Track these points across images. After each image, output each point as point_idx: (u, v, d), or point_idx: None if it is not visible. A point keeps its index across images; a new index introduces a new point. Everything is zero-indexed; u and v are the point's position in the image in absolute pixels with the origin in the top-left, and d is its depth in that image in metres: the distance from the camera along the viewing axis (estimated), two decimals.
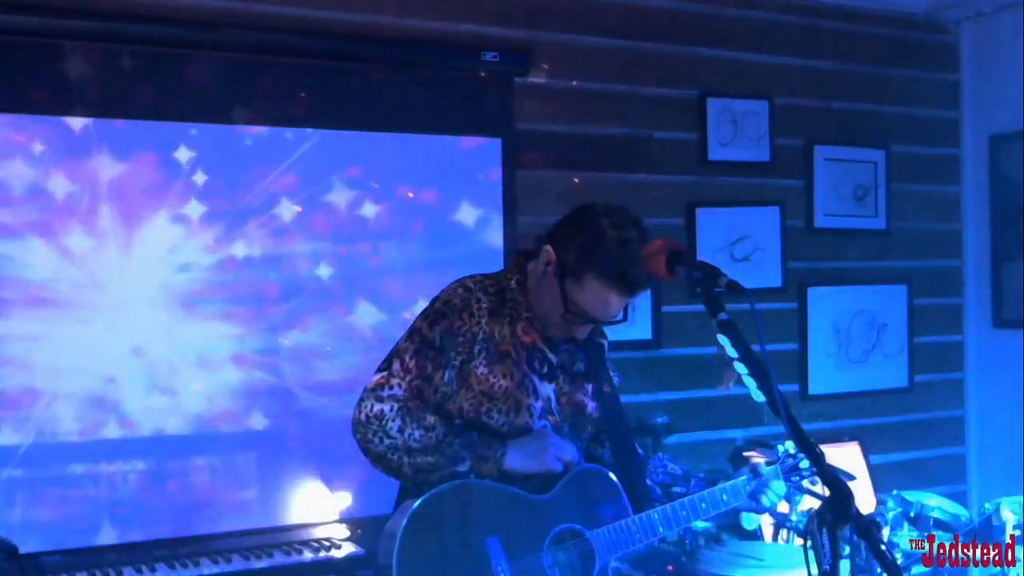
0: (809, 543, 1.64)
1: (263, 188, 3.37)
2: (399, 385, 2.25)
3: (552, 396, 2.39)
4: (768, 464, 2.56)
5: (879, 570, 1.74)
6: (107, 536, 3.13)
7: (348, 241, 3.49)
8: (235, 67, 3.33)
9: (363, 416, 2.23)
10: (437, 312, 2.32)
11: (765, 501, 2.51)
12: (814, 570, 1.63)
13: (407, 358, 2.27)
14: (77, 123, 3.12)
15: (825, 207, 4.43)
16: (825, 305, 4.42)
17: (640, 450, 2.57)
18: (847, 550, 2.73)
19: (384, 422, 2.21)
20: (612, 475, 2.38)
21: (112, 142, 3.16)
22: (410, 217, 3.57)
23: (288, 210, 3.40)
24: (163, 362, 3.23)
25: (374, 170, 3.53)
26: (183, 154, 3.25)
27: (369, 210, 3.52)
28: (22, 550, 2.81)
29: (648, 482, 2.50)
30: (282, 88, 3.40)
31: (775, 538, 3.18)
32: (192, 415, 3.27)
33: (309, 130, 3.43)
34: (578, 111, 3.93)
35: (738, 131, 4.22)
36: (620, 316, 2.35)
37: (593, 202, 2.34)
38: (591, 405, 2.47)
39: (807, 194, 4.40)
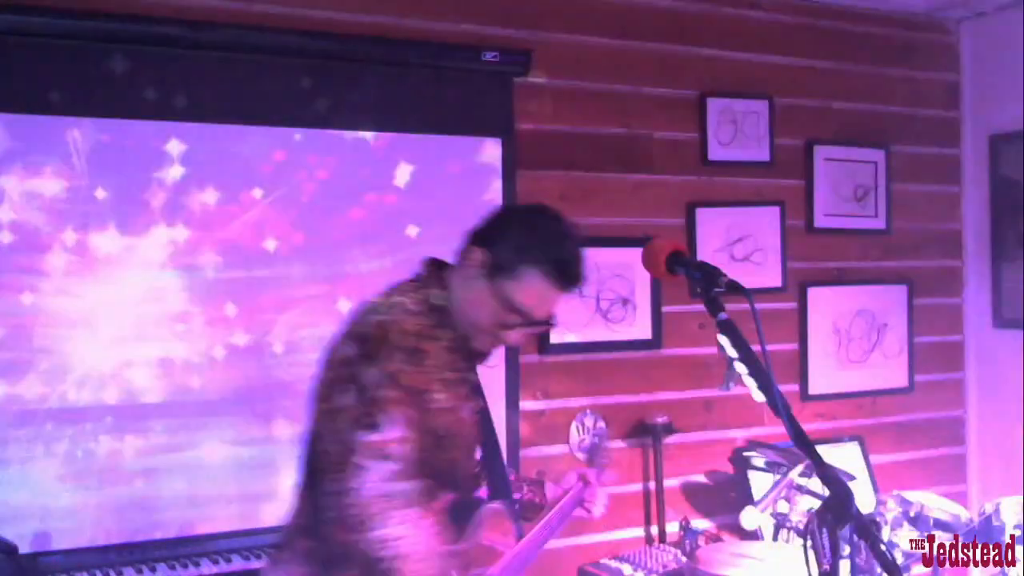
0: (809, 543, 1.64)
1: (258, 188, 3.37)
2: (400, 457, 1.96)
3: (473, 420, 2.24)
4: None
5: (879, 570, 1.74)
6: (107, 536, 3.13)
7: (346, 241, 3.49)
8: (235, 67, 3.33)
9: (376, 491, 1.93)
10: (402, 349, 2.03)
11: (596, 511, 2.50)
12: (814, 570, 1.63)
13: (395, 411, 1.98)
14: (75, 123, 3.12)
15: (825, 207, 4.43)
16: (825, 305, 4.42)
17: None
18: (847, 550, 2.73)
19: (395, 507, 1.94)
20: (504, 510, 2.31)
21: (111, 140, 3.16)
22: (409, 218, 3.57)
23: (284, 209, 3.41)
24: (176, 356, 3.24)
25: (372, 171, 3.53)
26: (180, 153, 3.25)
27: (367, 211, 3.52)
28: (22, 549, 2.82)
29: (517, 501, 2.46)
30: (282, 88, 3.40)
31: (775, 538, 3.19)
32: (194, 413, 3.27)
33: (307, 130, 3.43)
34: (578, 111, 3.94)
35: (738, 131, 4.23)
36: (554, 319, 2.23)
37: (516, 204, 2.24)
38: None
39: (807, 194, 4.40)
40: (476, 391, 2.25)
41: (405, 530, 1.93)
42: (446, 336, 2.14)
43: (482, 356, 2.25)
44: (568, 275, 2.13)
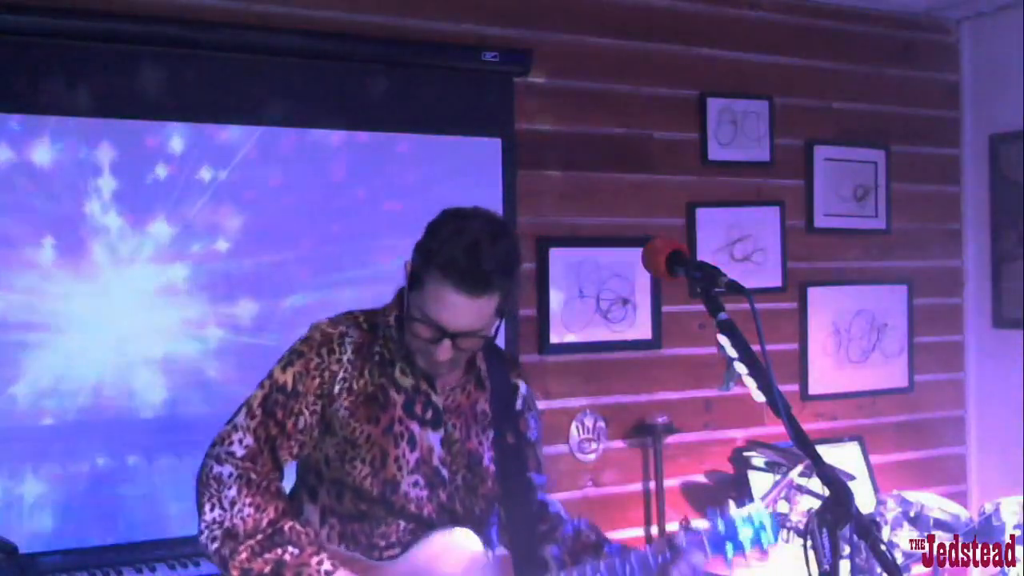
0: (809, 543, 1.64)
1: (260, 189, 3.37)
2: (240, 441, 2.04)
3: (437, 446, 2.12)
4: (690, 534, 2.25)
5: (879, 570, 1.74)
6: (107, 536, 3.13)
7: (344, 242, 3.49)
8: (235, 67, 3.33)
9: (203, 475, 2.04)
10: (293, 352, 2.11)
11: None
12: (814, 570, 1.63)
13: (255, 406, 2.07)
14: (76, 122, 3.12)
15: (825, 207, 4.42)
16: (825, 305, 4.42)
17: (550, 507, 2.30)
18: (847, 550, 2.73)
19: (221, 487, 2.01)
20: (478, 538, 2.13)
21: (112, 140, 3.16)
22: (409, 218, 3.56)
23: (286, 210, 3.40)
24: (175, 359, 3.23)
25: (373, 171, 3.53)
26: (180, 153, 3.25)
27: (368, 211, 3.52)
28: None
29: (548, 554, 2.23)
30: (282, 88, 3.40)
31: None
32: (194, 413, 3.26)
33: (308, 130, 3.43)
34: (578, 111, 3.93)
35: (738, 131, 4.22)
36: (481, 330, 2.02)
37: (450, 208, 2.11)
38: (488, 455, 2.19)
39: (807, 194, 4.40)
40: (457, 413, 2.16)
41: (219, 514, 2.00)
42: (381, 350, 2.12)
43: (436, 373, 2.13)
44: (459, 275, 1.95)
